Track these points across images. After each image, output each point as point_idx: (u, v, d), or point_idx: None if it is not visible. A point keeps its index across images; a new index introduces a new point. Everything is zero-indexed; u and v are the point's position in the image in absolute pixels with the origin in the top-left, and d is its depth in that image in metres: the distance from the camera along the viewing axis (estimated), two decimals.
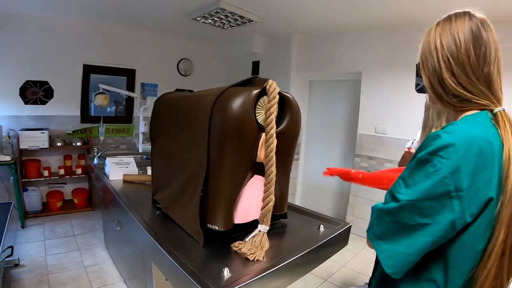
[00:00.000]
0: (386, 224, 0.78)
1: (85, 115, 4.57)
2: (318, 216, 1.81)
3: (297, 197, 5.09)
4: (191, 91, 5.50)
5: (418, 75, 3.53)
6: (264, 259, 1.25)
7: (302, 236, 1.58)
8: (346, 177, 1.78)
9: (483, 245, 0.72)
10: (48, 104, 4.23)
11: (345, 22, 3.84)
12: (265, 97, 1.29)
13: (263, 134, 1.30)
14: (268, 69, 5.11)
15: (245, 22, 3.95)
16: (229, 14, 3.65)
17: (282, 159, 1.44)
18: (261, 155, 1.32)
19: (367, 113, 4.04)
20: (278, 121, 1.40)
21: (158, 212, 1.79)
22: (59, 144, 4.16)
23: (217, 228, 1.32)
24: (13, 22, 3.85)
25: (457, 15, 0.84)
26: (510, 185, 0.70)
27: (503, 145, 0.72)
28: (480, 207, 0.70)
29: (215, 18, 3.84)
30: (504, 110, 0.78)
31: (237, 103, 1.20)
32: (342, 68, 4.27)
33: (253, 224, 1.40)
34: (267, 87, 1.27)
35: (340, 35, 4.25)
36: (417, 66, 3.46)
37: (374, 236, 0.82)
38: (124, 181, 2.44)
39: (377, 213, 0.81)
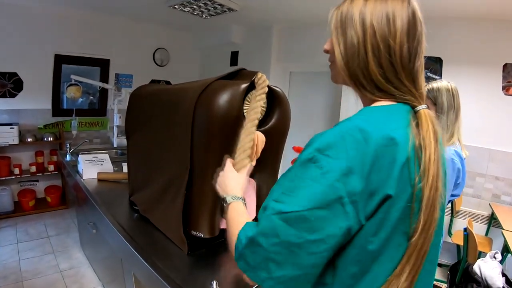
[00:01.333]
0: (264, 252, 0.61)
1: (57, 108, 4.31)
2: None
3: None
4: (167, 82, 5.32)
5: None
6: None
7: None
8: None
9: (375, 247, 0.60)
10: (18, 97, 3.96)
11: (325, 14, 3.72)
12: (253, 91, 1.17)
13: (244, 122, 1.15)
14: (247, 60, 4.96)
15: (225, 11, 3.78)
16: (208, 2, 3.48)
17: (270, 158, 1.33)
18: None
19: (349, 105, 3.95)
20: (267, 117, 1.28)
21: (136, 214, 1.66)
22: (30, 139, 3.91)
23: (202, 235, 1.21)
24: None
25: None
26: (427, 194, 0.60)
27: (415, 143, 0.62)
28: (374, 207, 0.58)
29: (194, 6, 3.66)
30: (427, 107, 0.68)
31: (224, 97, 1.08)
32: (324, 59, 4.14)
33: None
34: (256, 79, 1.14)
35: (322, 26, 4.07)
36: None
37: (248, 266, 0.65)
38: (99, 180, 2.28)
39: (249, 241, 0.64)
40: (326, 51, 0.84)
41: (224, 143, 1.11)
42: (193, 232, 1.22)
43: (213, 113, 1.08)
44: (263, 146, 1.25)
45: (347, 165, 0.56)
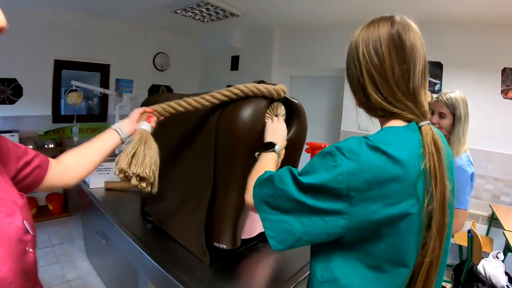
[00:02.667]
0: (274, 191, 0.77)
1: (57, 115, 4.29)
2: None
3: None
4: (168, 87, 5.32)
5: None
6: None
7: (308, 249, 1.49)
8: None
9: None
10: (17, 103, 3.92)
11: (327, 18, 3.77)
12: (274, 103, 1.18)
13: None
14: (248, 64, 4.98)
15: (227, 16, 3.80)
16: (210, 7, 3.49)
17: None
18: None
19: (351, 110, 3.98)
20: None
21: (149, 225, 1.66)
22: (30, 146, 3.88)
23: (225, 246, 1.22)
24: None
25: (380, 20, 0.79)
26: (437, 198, 0.68)
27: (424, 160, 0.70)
28: (381, 222, 0.67)
29: (196, 11, 3.67)
30: (429, 124, 0.75)
31: (248, 111, 1.09)
32: (325, 64, 4.19)
33: (257, 237, 1.37)
34: (276, 95, 1.15)
35: (323, 31, 4.16)
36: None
37: (260, 195, 0.81)
38: (106, 189, 2.28)
39: (268, 175, 0.81)
40: None
41: (249, 156, 1.12)
42: (215, 244, 1.22)
43: (238, 127, 1.08)
44: (282, 157, 1.27)
45: (354, 167, 0.66)
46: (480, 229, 3.14)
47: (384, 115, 0.79)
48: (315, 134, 4.54)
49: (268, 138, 1.08)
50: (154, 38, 5.04)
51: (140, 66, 4.99)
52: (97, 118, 4.67)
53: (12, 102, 3.89)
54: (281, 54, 4.65)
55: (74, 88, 3.83)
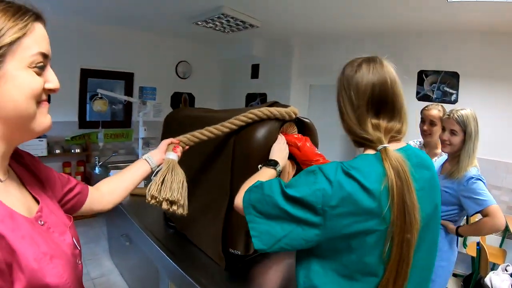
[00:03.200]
0: (261, 195, 0.87)
1: (83, 121, 4.50)
2: None
3: None
4: (190, 94, 5.48)
5: (418, 83, 3.57)
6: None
7: None
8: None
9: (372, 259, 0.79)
10: None
11: (345, 28, 3.85)
12: (286, 124, 1.30)
13: None
14: (267, 72, 5.10)
15: (247, 27, 3.93)
16: (230, 19, 3.63)
17: None
18: (282, 180, 1.32)
19: None
20: None
21: (171, 230, 1.79)
22: (57, 151, 4.10)
23: (239, 253, 1.33)
24: None
25: (351, 62, 0.96)
26: (395, 216, 0.76)
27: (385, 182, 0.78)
28: (349, 231, 0.76)
29: (217, 23, 3.81)
30: (385, 147, 0.83)
31: (261, 133, 1.21)
32: None
33: None
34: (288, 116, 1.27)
35: (341, 40, 4.23)
36: (418, 74, 3.53)
37: (249, 200, 0.90)
38: (131, 195, 2.42)
39: (259, 184, 0.92)
40: None
41: None
42: (231, 250, 1.34)
43: (253, 148, 1.21)
44: (293, 173, 1.38)
45: (330, 187, 0.77)
46: (494, 241, 3.14)
47: (357, 143, 0.93)
48: (333, 143, 4.59)
49: (274, 156, 1.19)
50: (176, 47, 5.21)
51: (163, 74, 5.17)
52: (121, 124, 4.87)
53: None
54: (300, 63, 4.75)
55: (99, 96, 4.03)
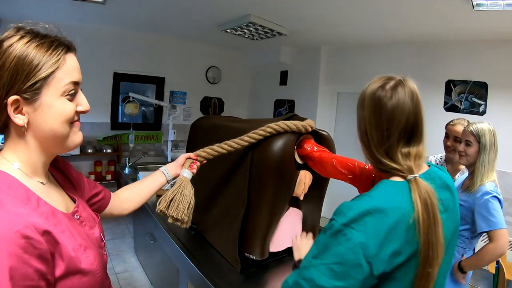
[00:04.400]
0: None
1: (115, 122, 4.71)
2: None
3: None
4: (219, 99, 5.60)
5: (446, 93, 3.52)
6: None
7: None
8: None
9: None
10: None
11: (373, 37, 3.85)
12: (303, 136, 1.35)
13: (301, 172, 1.36)
14: (296, 79, 5.14)
15: (275, 35, 4.00)
16: (259, 27, 3.71)
17: (316, 193, 1.50)
18: (298, 190, 1.38)
19: None
20: None
21: (192, 232, 1.87)
22: (89, 150, 4.30)
23: (254, 257, 1.39)
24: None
25: (376, 81, 0.89)
26: (423, 246, 0.74)
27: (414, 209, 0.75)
28: (393, 266, 0.74)
29: (245, 31, 3.91)
30: (415, 177, 0.79)
31: (279, 145, 1.27)
32: (370, 81, 4.23)
33: (284, 251, 1.52)
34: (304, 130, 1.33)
35: (369, 49, 4.23)
36: (446, 84, 3.48)
37: None
38: (157, 195, 2.53)
39: (294, 283, 0.81)
40: None
41: (278, 183, 1.31)
42: (246, 254, 1.40)
43: (270, 160, 1.27)
44: (310, 183, 1.43)
45: (365, 237, 0.72)
46: None
47: (381, 171, 0.87)
48: (360, 151, 4.57)
49: (296, 256, 1.16)
50: (206, 53, 5.35)
51: (193, 79, 5.31)
52: (151, 126, 5.04)
53: None
54: (328, 71, 4.77)
55: (131, 99, 4.20)
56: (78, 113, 0.76)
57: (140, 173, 2.67)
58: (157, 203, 1.22)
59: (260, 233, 1.36)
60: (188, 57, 5.18)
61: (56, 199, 0.77)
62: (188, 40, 5.02)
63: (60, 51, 0.71)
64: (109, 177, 4.51)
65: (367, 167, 1.15)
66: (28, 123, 0.68)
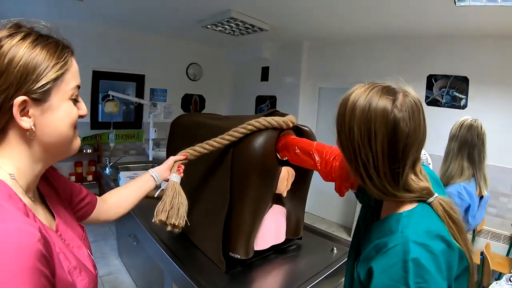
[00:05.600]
0: None
1: (95, 121, 4.61)
2: (331, 237, 1.86)
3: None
4: (200, 96, 5.55)
5: (428, 87, 3.56)
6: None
7: (316, 261, 1.60)
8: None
9: None
10: None
11: (354, 32, 3.87)
12: (284, 132, 1.34)
13: (283, 168, 1.34)
14: (277, 75, 5.13)
15: (256, 31, 3.97)
16: (239, 23, 3.68)
17: (300, 187, 1.49)
18: (281, 187, 1.36)
19: None
20: None
21: (176, 231, 1.83)
22: None
23: (239, 256, 1.37)
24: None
25: (379, 96, 0.72)
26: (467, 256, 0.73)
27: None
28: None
29: (226, 26, 3.87)
30: (437, 197, 0.74)
31: (259, 142, 1.24)
32: (353, 76, 4.26)
33: (269, 249, 1.51)
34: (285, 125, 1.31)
35: (351, 44, 4.26)
36: (427, 78, 3.51)
37: None
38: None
39: None
40: None
41: (260, 179, 1.28)
42: (231, 254, 1.38)
43: (251, 157, 1.25)
44: (293, 179, 1.41)
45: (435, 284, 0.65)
46: (502, 249, 3.11)
47: (390, 199, 0.77)
48: None
49: None
50: (187, 50, 5.29)
51: (173, 76, 5.25)
52: (132, 125, 4.96)
53: None
54: (309, 66, 4.78)
55: (111, 97, 4.11)
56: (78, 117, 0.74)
57: (121, 173, 2.61)
58: (155, 213, 1.20)
59: (244, 232, 1.34)
60: (169, 54, 5.11)
61: (43, 217, 0.71)
62: (169, 36, 4.95)
63: (66, 53, 0.70)
64: (90, 177, 4.42)
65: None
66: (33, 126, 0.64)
